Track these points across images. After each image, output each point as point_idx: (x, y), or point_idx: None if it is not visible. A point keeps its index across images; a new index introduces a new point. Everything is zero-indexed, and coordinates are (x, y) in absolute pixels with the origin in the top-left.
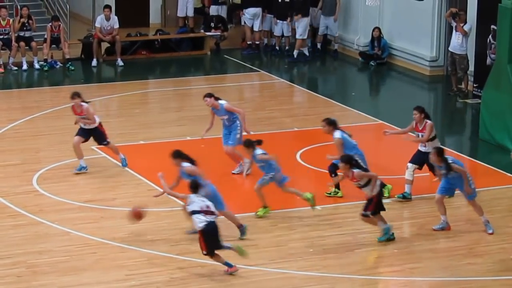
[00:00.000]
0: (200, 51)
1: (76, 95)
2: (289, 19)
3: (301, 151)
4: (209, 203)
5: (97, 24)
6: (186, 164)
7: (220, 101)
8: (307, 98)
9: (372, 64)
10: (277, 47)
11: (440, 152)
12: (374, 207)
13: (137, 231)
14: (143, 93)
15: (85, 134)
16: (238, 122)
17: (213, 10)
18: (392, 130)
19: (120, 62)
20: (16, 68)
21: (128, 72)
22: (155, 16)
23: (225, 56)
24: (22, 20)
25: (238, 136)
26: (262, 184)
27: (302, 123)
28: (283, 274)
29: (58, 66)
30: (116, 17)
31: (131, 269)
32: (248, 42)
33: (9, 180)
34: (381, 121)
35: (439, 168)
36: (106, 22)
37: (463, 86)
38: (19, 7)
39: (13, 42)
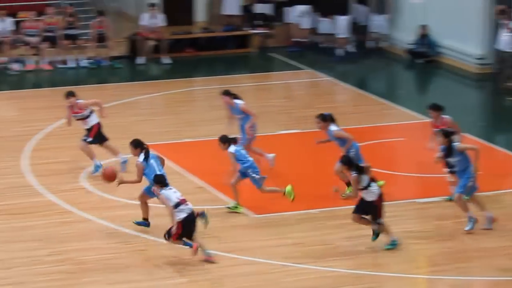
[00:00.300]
0: (245, 49)
1: (70, 94)
2: (331, 16)
3: None
4: (180, 193)
5: (143, 22)
6: (139, 159)
7: (236, 100)
8: (354, 96)
9: (420, 62)
10: (322, 45)
11: (447, 134)
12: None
13: None
14: (189, 91)
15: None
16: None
17: (259, 7)
18: (431, 142)
19: (165, 60)
20: (63, 66)
21: (173, 70)
22: (200, 14)
23: (271, 54)
24: (68, 18)
25: (248, 136)
26: (259, 184)
27: (349, 121)
28: (332, 272)
29: (104, 64)
30: (162, 15)
31: (179, 266)
32: (294, 40)
33: (58, 178)
34: (428, 119)
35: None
36: (152, 20)
37: (511, 84)
38: (65, 5)
39: (60, 40)
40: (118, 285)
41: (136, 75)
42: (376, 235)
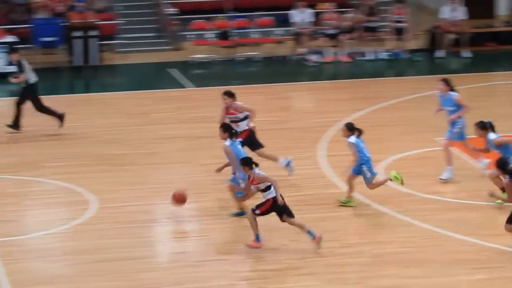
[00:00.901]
0: None
1: (227, 94)
2: None
3: None
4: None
5: (444, 15)
6: (227, 143)
7: (451, 92)
8: None
9: None
10: None
11: None
12: None
13: (478, 225)
14: (489, 86)
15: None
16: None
17: None
18: None
19: (466, 54)
20: (361, 58)
21: (473, 64)
22: (503, 7)
23: None
24: (368, 11)
25: (456, 130)
26: (368, 181)
27: None
28: None
29: (402, 57)
30: (463, 8)
31: (476, 263)
32: None
33: None
34: None
35: None
36: (453, 13)
37: None
38: None
39: (360, 32)
40: (414, 279)
41: (436, 68)
42: None
